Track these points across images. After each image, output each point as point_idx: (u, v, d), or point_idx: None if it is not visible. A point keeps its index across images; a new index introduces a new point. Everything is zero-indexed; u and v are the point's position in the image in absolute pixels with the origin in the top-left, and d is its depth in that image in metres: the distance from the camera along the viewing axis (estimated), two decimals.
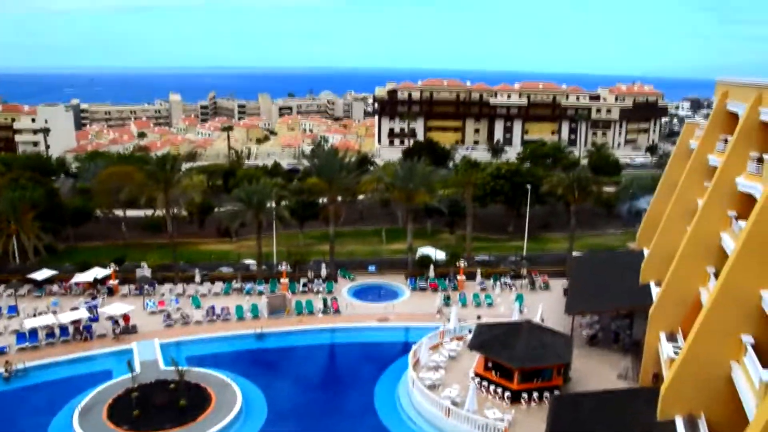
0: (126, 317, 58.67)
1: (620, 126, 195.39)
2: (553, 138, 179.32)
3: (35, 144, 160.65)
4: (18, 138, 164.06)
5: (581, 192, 74.71)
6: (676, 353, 37.96)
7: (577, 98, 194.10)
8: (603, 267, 62.02)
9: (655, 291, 48.61)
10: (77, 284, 67.85)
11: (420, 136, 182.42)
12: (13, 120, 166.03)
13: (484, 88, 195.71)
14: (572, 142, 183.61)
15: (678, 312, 42.64)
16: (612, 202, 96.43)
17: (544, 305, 61.37)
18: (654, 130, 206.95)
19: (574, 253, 73.24)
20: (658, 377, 43.03)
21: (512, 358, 43.92)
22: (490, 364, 46.14)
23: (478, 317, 59.94)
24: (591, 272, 61.16)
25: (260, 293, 67.02)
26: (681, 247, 43.05)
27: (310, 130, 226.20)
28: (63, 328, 56.29)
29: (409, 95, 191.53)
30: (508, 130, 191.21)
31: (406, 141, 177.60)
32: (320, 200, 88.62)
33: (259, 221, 71.23)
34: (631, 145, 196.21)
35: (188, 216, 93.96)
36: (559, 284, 70.13)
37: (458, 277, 71.03)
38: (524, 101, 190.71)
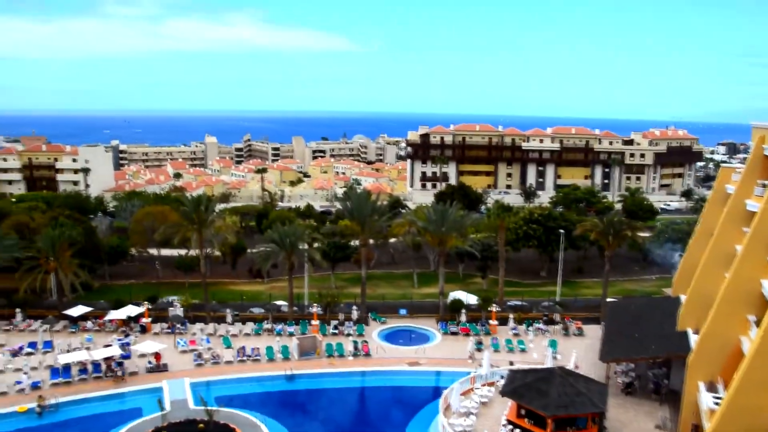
0: (157, 355, 59.02)
1: (654, 171, 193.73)
2: (586, 182, 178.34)
3: (75, 183, 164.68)
4: (59, 177, 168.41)
5: (615, 237, 73.90)
6: (716, 404, 36.86)
7: (610, 143, 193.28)
8: (638, 313, 60.77)
9: (694, 339, 47.43)
10: (111, 321, 68.59)
11: (452, 180, 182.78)
12: (56, 159, 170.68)
13: (516, 133, 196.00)
14: (605, 187, 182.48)
15: (718, 361, 41.57)
16: (647, 247, 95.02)
17: (578, 352, 60.40)
18: (689, 175, 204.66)
19: (609, 299, 72.09)
20: (697, 429, 41.74)
21: (546, 406, 43.01)
22: (523, 411, 45.24)
23: (511, 363, 59.03)
24: (626, 319, 59.93)
25: (291, 334, 66.91)
26: (720, 294, 42.16)
27: (343, 173, 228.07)
28: (95, 365, 56.77)
29: (442, 139, 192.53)
30: (540, 174, 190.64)
31: (438, 185, 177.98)
32: (352, 243, 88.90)
33: (291, 263, 71.54)
34: (665, 190, 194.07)
35: (221, 256, 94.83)
36: (593, 330, 68.92)
37: (490, 322, 70.31)
38: (557, 146, 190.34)
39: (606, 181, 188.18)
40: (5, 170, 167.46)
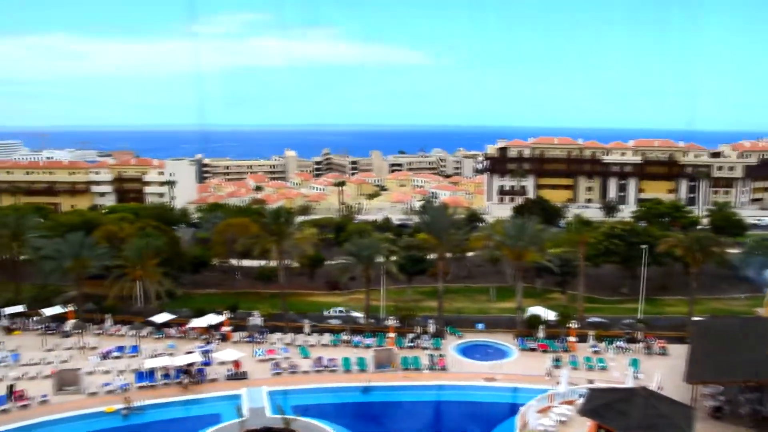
0: (237, 363, 60.43)
1: (744, 184, 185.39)
2: (670, 197, 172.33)
3: (161, 195, 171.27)
4: (147, 189, 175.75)
5: (702, 253, 71.09)
6: None
7: (696, 155, 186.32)
8: (727, 334, 58.15)
9: None
10: (193, 329, 70.72)
11: (531, 194, 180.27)
12: (143, 173, 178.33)
13: (596, 146, 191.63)
14: (691, 201, 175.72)
15: None
16: (736, 265, 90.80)
17: (662, 372, 58.28)
18: None
19: (695, 318, 69.27)
20: None
21: (627, 427, 41.56)
22: None
23: (590, 381, 57.45)
24: (714, 339, 57.43)
25: (368, 346, 67.29)
26: None
27: (421, 187, 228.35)
28: (178, 370, 58.65)
29: (520, 153, 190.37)
30: (622, 188, 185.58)
31: (516, 198, 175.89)
32: (429, 256, 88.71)
33: (368, 275, 72.05)
34: (757, 205, 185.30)
35: (300, 267, 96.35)
36: (677, 350, 66.26)
37: (569, 339, 68.68)
38: (639, 159, 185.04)
39: (691, 195, 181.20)
40: (98, 183, 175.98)
